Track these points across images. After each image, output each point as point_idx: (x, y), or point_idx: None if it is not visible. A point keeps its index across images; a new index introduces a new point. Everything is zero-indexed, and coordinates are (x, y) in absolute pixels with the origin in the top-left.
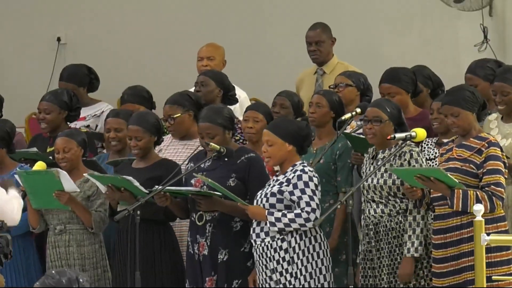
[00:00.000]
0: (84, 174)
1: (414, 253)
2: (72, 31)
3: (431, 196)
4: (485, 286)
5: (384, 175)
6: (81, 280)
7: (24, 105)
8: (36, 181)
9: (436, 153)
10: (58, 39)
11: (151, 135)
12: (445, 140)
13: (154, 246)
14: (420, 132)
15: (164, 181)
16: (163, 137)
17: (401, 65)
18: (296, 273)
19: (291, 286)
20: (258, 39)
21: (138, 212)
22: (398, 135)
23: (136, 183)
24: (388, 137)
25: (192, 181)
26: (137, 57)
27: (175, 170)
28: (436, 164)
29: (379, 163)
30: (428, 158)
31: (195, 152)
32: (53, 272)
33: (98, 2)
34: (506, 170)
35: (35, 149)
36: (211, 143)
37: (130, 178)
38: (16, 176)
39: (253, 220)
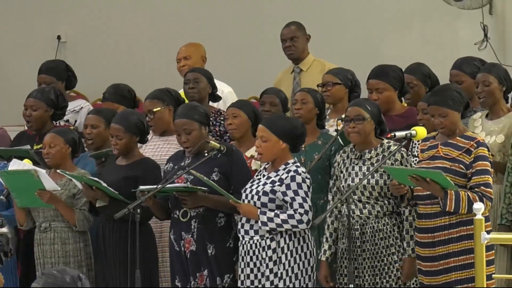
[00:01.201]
0: (57, 171)
1: (411, 254)
2: (72, 29)
3: (415, 194)
4: (485, 285)
5: (375, 175)
6: (83, 278)
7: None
8: (17, 181)
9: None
10: (58, 38)
11: (132, 135)
12: (427, 136)
13: (128, 245)
14: (420, 130)
15: (140, 181)
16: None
17: (402, 64)
18: (281, 273)
19: (273, 285)
20: (256, 39)
21: (138, 210)
22: (398, 134)
23: (104, 184)
24: (389, 135)
25: (175, 180)
26: (137, 56)
27: (154, 170)
28: (415, 160)
29: (366, 163)
30: (414, 155)
31: (174, 151)
32: (54, 271)
33: (98, 0)
34: (492, 170)
35: (28, 146)
36: (211, 142)
37: (95, 179)
38: None
39: (240, 216)
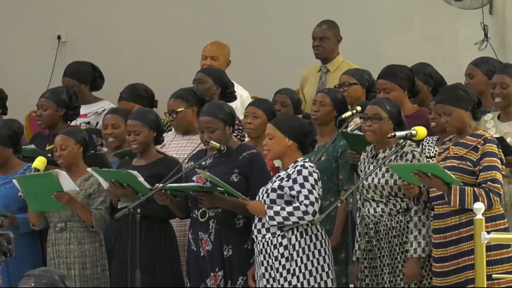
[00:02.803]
0: (88, 169)
1: (421, 253)
2: (73, 29)
3: (430, 195)
4: (485, 286)
5: (386, 174)
6: (67, 277)
7: (25, 103)
8: (35, 184)
9: (436, 151)
10: (59, 37)
11: (150, 130)
12: (445, 140)
13: (154, 244)
14: (420, 131)
15: (164, 178)
16: (166, 133)
17: (402, 64)
18: (294, 270)
19: (287, 283)
20: (260, 37)
21: (139, 210)
22: (398, 133)
23: (141, 178)
24: (389, 135)
25: (194, 178)
26: (138, 55)
27: (175, 167)
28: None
29: (379, 162)
30: (428, 156)
31: (195, 150)
32: (41, 272)
33: (98, 0)
34: (503, 167)
35: (32, 146)
36: (212, 141)
37: (135, 172)
38: (14, 181)
39: (255, 216)
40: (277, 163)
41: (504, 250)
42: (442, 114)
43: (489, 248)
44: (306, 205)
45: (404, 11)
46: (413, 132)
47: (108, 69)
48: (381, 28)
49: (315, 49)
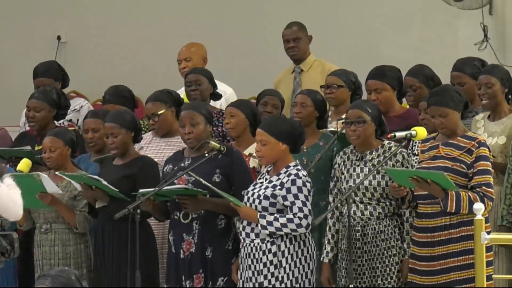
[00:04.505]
0: (56, 173)
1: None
2: (72, 29)
3: (415, 194)
4: (485, 286)
5: (377, 176)
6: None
7: (24, 103)
8: (20, 183)
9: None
10: (58, 38)
11: (127, 131)
12: (427, 137)
13: (128, 244)
14: (420, 131)
15: (138, 179)
16: (144, 135)
17: (401, 64)
18: (282, 277)
19: None
20: (258, 38)
21: (139, 210)
22: (398, 134)
23: (104, 182)
24: (389, 136)
25: (175, 181)
26: (137, 56)
27: (151, 168)
28: (416, 159)
29: (368, 164)
30: (413, 153)
31: (172, 153)
32: (57, 272)
33: (98, 1)
34: (493, 170)
35: (29, 147)
36: (212, 142)
37: (96, 177)
38: None
39: (241, 218)
40: (253, 163)
41: (489, 254)
42: (436, 116)
43: (471, 251)
44: (300, 218)
45: (404, 11)
46: (413, 132)
47: (108, 69)
48: (381, 29)
49: (290, 51)
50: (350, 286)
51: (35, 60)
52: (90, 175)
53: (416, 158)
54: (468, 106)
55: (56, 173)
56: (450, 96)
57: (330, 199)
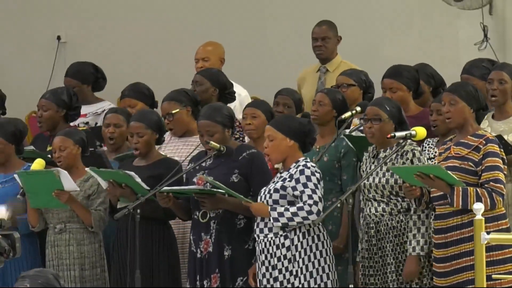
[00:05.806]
0: (86, 169)
1: (420, 252)
2: (72, 29)
3: (432, 195)
4: (485, 286)
5: (386, 174)
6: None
7: (24, 103)
8: (36, 181)
9: (436, 152)
10: (58, 38)
11: (153, 132)
12: (445, 140)
13: (152, 245)
14: (420, 131)
15: (164, 179)
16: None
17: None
18: (296, 271)
19: (290, 284)
20: (259, 38)
21: (138, 210)
22: (398, 134)
23: (138, 179)
24: (388, 136)
25: (194, 180)
26: (137, 56)
27: (176, 168)
28: (435, 163)
29: (380, 162)
30: (428, 157)
31: (195, 152)
32: (35, 272)
33: (98, 1)
34: (505, 166)
35: (31, 147)
36: (211, 142)
37: (132, 173)
38: (16, 176)
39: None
40: (277, 164)
41: (506, 250)
42: (447, 103)
43: (491, 248)
44: (310, 205)
45: (404, 11)
46: (413, 132)
47: (108, 70)
48: (381, 29)
49: (317, 49)
50: (350, 286)
51: (35, 60)
52: (126, 171)
53: (430, 162)
54: (487, 108)
55: (86, 169)
56: (465, 88)
57: (361, 197)
